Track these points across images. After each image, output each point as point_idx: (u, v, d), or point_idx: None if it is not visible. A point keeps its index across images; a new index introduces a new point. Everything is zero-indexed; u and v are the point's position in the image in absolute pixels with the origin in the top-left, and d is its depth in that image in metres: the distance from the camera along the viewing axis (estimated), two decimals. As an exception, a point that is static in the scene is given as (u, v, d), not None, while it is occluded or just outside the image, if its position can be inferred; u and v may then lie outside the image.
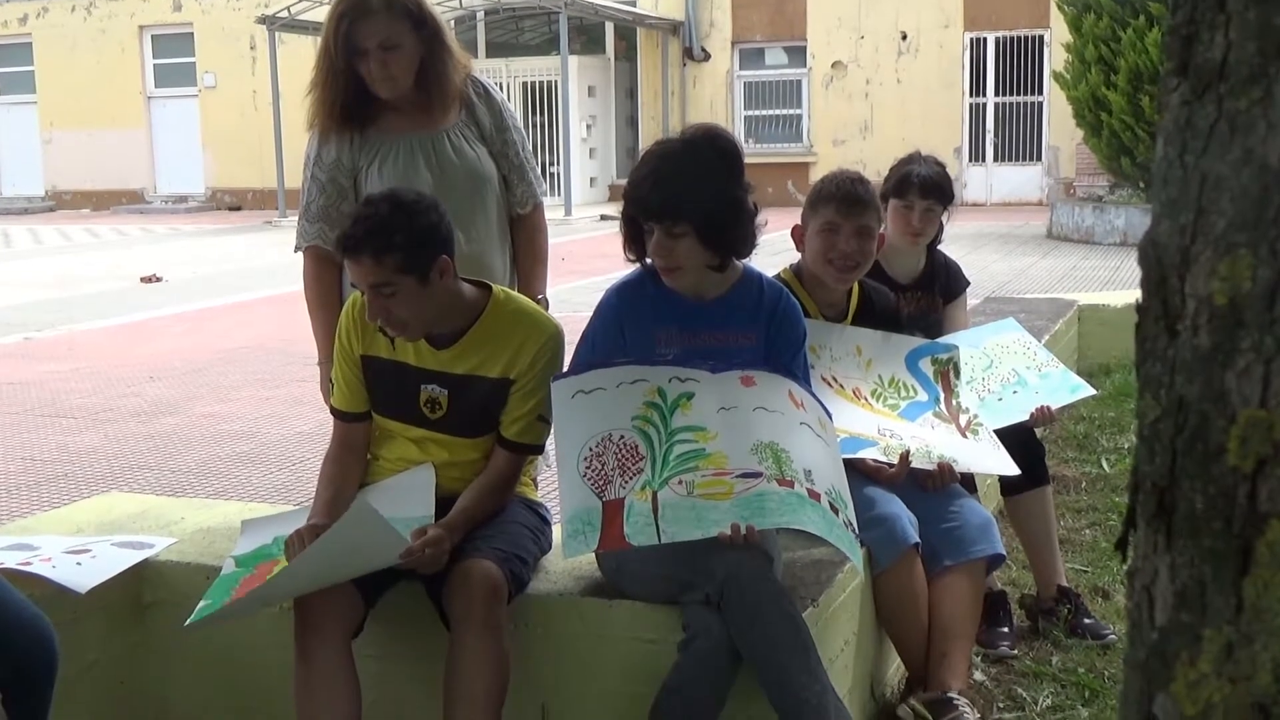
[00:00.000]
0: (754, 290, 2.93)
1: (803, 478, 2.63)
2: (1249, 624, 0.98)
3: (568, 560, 2.85)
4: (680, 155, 2.76)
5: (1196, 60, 1.03)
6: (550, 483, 2.98)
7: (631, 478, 2.60)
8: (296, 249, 3.35)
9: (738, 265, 2.92)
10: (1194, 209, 1.03)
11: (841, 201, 3.26)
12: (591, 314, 2.93)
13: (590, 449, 2.64)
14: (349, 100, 3.20)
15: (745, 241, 2.82)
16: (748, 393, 2.74)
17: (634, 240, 2.83)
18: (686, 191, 2.71)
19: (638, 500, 2.57)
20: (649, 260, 2.84)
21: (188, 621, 2.74)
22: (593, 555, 2.80)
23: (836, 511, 2.66)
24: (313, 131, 3.30)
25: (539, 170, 3.49)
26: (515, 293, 3.03)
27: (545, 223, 3.50)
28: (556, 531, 2.87)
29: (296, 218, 3.39)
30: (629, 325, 2.87)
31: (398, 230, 2.67)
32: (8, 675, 2.46)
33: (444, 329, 2.86)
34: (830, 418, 2.91)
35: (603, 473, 2.62)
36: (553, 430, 2.77)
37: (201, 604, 2.79)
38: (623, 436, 2.65)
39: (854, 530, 2.70)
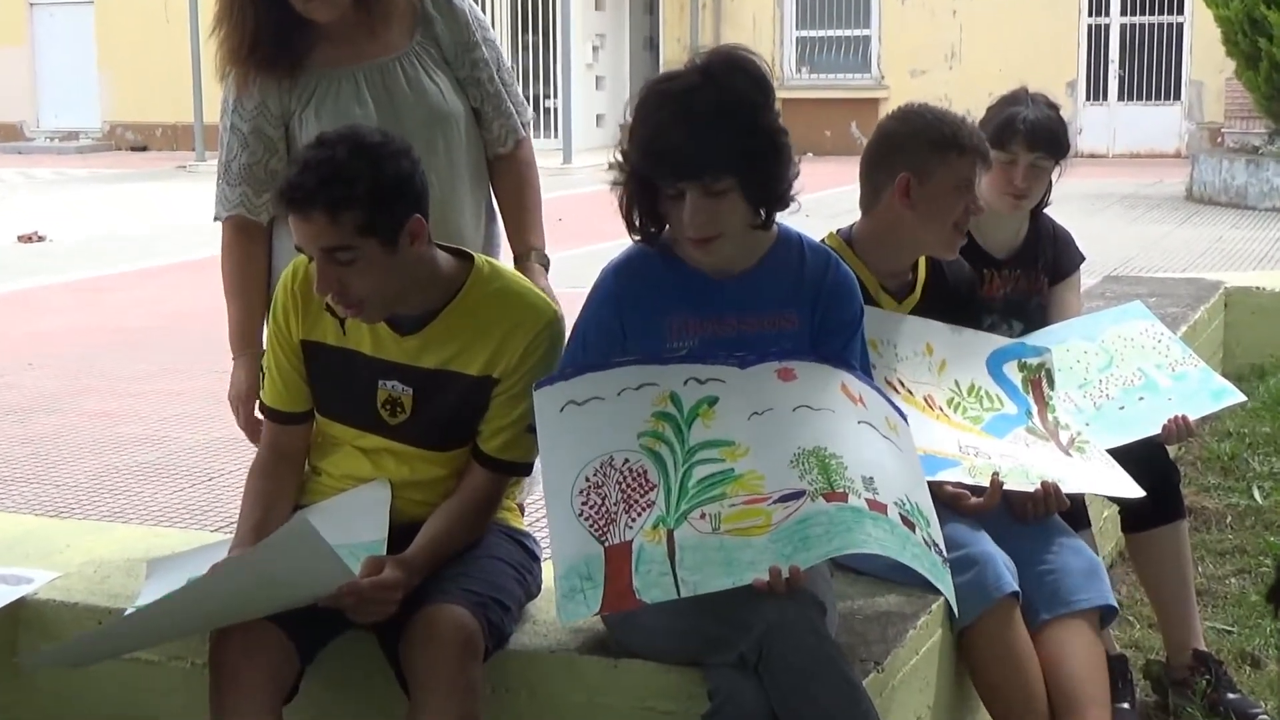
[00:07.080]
0: (793, 257, 2.91)
1: (860, 487, 2.62)
2: None
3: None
4: (704, 90, 2.70)
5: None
6: (539, 507, 2.98)
7: (640, 514, 2.60)
8: (215, 218, 3.35)
9: (772, 226, 2.89)
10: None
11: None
12: (584, 302, 2.91)
13: (587, 479, 2.64)
14: (268, 36, 3.17)
15: (788, 192, 2.80)
16: (786, 389, 2.72)
17: (647, 211, 2.80)
18: (724, 135, 2.68)
19: (649, 543, 2.56)
20: (666, 235, 2.82)
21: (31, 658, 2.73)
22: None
23: (912, 527, 2.65)
24: (228, 79, 3.29)
25: (523, 96, 3.49)
26: (504, 266, 3.02)
27: (534, 157, 3.49)
28: (548, 570, 2.88)
29: (216, 175, 3.38)
30: (631, 314, 2.85)
31: (359, 179, 2.65)
32: None
33: (410, 309, 2.85)
34: (904, 418, 2.90)
35: (603, 509, 2.62)
36: (539, 454, 2.76)
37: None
38: (627, 460, 2.65)
39: (940, 551, 2.69)
